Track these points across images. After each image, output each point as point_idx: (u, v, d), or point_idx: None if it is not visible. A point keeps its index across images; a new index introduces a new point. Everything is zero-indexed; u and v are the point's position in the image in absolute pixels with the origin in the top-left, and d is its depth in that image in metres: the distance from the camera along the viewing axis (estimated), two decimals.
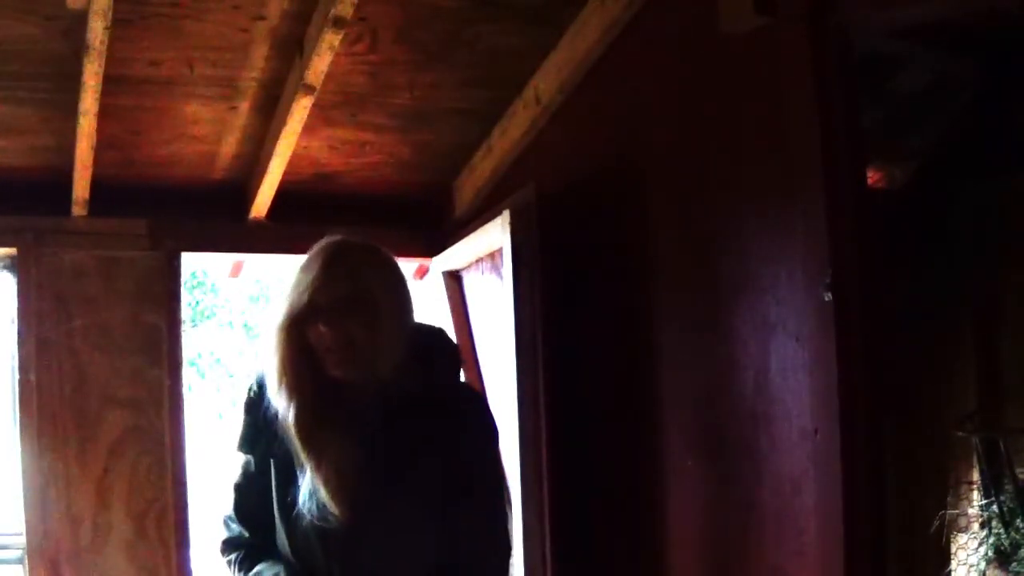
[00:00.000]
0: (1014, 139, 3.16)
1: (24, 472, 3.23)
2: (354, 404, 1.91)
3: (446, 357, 2.10)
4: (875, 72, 2.96)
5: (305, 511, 1.89)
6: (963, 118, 3.30)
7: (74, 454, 3.28)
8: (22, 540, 3.22)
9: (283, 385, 1.89)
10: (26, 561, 3.21)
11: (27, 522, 3.22)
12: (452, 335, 3.58)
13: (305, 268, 1.91)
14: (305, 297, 1.87)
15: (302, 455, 1.89)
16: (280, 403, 1.90)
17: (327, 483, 1.86)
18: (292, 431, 1.89)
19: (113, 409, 3.33)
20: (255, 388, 2.01)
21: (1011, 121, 3.18)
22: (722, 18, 2.41)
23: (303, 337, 1.88)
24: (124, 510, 3.31)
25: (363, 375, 1.89)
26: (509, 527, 2.11)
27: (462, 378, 2.13)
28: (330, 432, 1.88)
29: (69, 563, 3.24)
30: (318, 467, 1.87)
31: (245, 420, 2.03)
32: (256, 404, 1.98)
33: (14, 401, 3.29)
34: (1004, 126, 3.20)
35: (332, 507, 1.86)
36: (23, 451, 3.23)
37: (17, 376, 3.26)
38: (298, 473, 1.92)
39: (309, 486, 1.89)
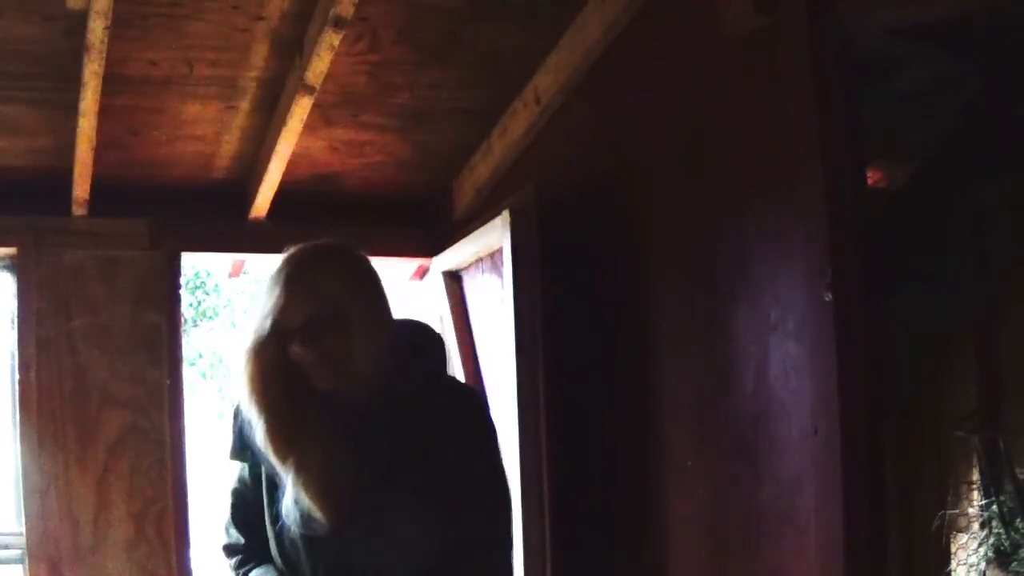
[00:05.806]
0: (1015, 139, 3.15)
1: (24, 472, 3.23)
2: (341, 410, 1.88)
3: (432, 351, 2.06)
4: (875, 72, 2.95)
5: (289, 521, 1.88)
6: (964, 118, 3.29)
7: (74, 454, 3.28)
8: (22, 540, 3.23)
9: (252, 403, 1.87)
10: (26, 561, 3.21)
11: (27, 522, 3.22)
12: (452, 335, 3.59)
13: (268, 288, 1.88)
14: (269, 321, 1.84)
15: (278, 468, 1.88)
16: (252, 420, 1.88)
17: (309, 491, 1.84)
18: (264, 446, 1.88)
19: (113, 409, 3.34)
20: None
21: (1011, 121, 3.17)
22: (722, 18, 2.42)
23: (275, 353, 1.85)
24: (124, 510, 3.32)
25: (347, 384, 1.87)
26: (509, 525, 2.10)
27: (450, 371, 2.08)
28: (312, 440, 1.86)
29: (69, 563, 3.24)
30: (298, 476, 1.85)
31: (233, 429, 2.02)
32: (240, 415, 1.97)
33: (14, 401, 3.30)
34: (1004, 126, 3.20)
35: (316, 514, 1.85)
36: (23, 451, 3.23)
37: (17, 376, 3.27)
38: (284, 482, 1.90)
39: (292, 495, 1.87)
